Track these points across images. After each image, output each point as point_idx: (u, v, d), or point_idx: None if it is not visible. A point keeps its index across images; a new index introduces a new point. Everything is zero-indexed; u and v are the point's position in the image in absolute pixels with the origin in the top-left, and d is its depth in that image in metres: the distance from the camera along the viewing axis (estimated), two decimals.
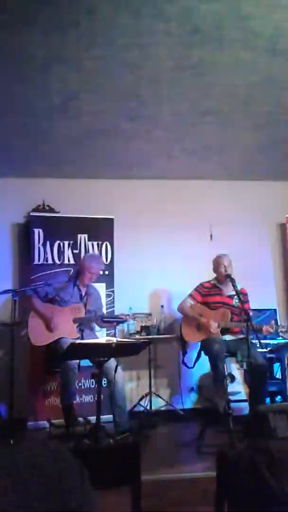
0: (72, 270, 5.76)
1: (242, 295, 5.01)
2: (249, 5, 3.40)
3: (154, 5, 3.35)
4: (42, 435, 4.98)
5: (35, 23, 3.50)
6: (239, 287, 5.03)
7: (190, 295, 5.40)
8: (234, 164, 6.43)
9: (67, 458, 1.01)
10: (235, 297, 5.08)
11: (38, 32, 3.61)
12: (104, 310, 5.72)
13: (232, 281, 4.95)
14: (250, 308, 5.24)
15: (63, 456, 1.01)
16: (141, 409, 5.82)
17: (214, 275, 5.42)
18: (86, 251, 6.11)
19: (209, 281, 5.44)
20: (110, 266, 6.27)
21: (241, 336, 4.93)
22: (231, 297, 5.25)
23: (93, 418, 4.53)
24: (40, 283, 5.28)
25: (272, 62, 4.11)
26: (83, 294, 5.21)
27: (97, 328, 5.41)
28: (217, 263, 5.34)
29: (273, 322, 5.15)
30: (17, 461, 0.96)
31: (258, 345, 4.92)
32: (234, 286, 4.90)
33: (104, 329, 5.79)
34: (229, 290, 5.24)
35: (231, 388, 5.12)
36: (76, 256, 6.05)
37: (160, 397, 6.02)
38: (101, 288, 5.89)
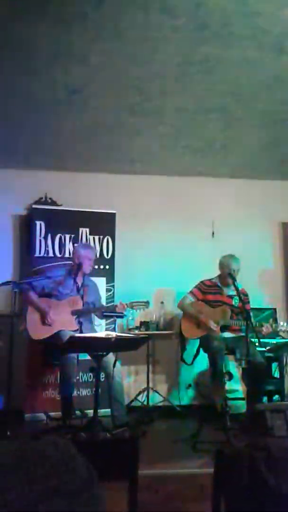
0: (72, 264, 5.74)
1: (242, 296, 5.00)
2: (257, 3, 3.39)
3: None
4: (39, 427, 4.99)
5: (42, 15, 3.49)
6: (240, 287, 5.00)
7: (191, 292, 5.39)
8: (238, 162, 6.42)
9: (77, 457, 1.01)
10: (235, 297, 5.07)
11: (45, 24, 3.60)
12: (104, 303, 5.71)
13: (234, 281, 4.92)
14: (250, 308, 5.23)
15: (73, 455, 1.00)
16: (139, 404, 5.83)
17: (216, 272, 5.40)
18: (79, 243, 6.06)
19: (210, 279, 5.42)
20: (111, 261, 6.26)
21: (241, 334, 4.93)
22: (231, 297, 5.24)
23: (90, 412, 4.55)
24: (38, 277, 5.28)
25: (279, 61, 4.10)
26: (80, 286, 5.19)
27: (97, 321, 5.41)
28: (226, 264, 5.25)
29: (271, 321, 5.14)
30: (26, 458, 0.96)
31: (257, 344, 4.92)
32: (236, 286, 4.87)
33: (104, 323, 5.79)
34: (229, 290, 5.23)
35: (229, 386, 5.11)
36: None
37: (157, 392, 6.03)
38: (101, 282, 5.89)
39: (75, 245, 5.83)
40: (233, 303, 5.21)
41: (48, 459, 0.97)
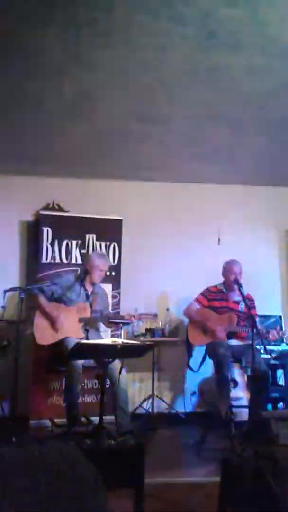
0: (79, 270, 5.74)
1: (248, 301, 4.99)
2: (266, 11, 3.39)
3: (172, 7, 3.35)
4: (44, 434, 4.98)
5: (52, 21, 3.51)
6: (245, 293, 5.00)
7: (196, 299, 5.38)
8: (245, 169, 6.42)
9: (82, 462, 1.00)
10: (241, 302, 5.06)
11: (54, 31, 3.61)
12: (110, 310, 5.71)
13: (239, 286, 4.92)
14: (256, 314, 5.23)
15: (78, 460, 1.00)
16: (143, 411, 5.81)
17: (221, 279, 5.40)
18: (94, 251, 6.09)
19: (215, 286, 5.41)
20: (117, 267, 6.26)
21: (247, 341, 4.91)
22: (237, 302, 5.22)
23: (95, 418, 4.54)
24: (47, 282, 5.29)
25: (287, 69, 4.10)
26: (89, 293, 5.20)
27: (103, 328, 5.40)
28: (228, 269, 5.29)
29: (278, 328, 5.14)
30: (32, 463, 0.95)
31: (262, 351, 4.90)
32: (241, 292, 4.87)
33: (109, 330, 5.78)
34: (235, 296, 5.21)
35: (233, 393, 5.09)
36: (83, 256, 6.03)
37: (162, 400, 6.01)
38: (107, 289, 5.87)
39: (90, 252, 5.86)
40: (239, 308, 5.20)
41: (53, 465, 0.96)
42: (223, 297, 5.32)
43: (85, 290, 5.17)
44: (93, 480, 1.01)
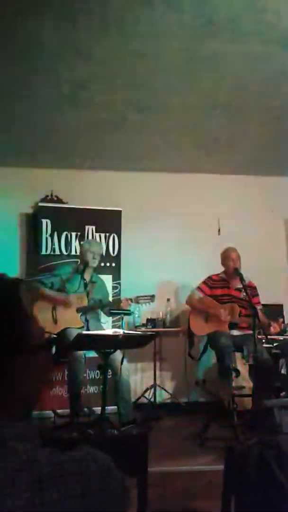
0: (79, 261, 5.73)
1: (250, 289, 4.99)
2: None
3: None
4: (47, 425, 4.99)
5: (47, 10, 3.48)
6: (246, 281, 5.00)
7: (198, 288, 5.37)
8: (244, 158, 6.39)
9: (113, 472, 0.96)
10: (243, 290, 5.06)
11: (50, 21, 3.58)
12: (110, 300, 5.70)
13: (240, 275, 4.92)
14: (259, 301, 5.23)
15: (109, 470, 0.96)
16: (146, 401, 5.83)
17: (222, 268, 5.39)
18: None
19: (217, 274, 5.40)
20: (117, 258, 6.26)
21: (249, 331, 4.90)
22: (239, 290, 5.21)
23: (97, 409, 4.54)
24: (47, 274, 5.28)
25: (285, 56, 4.08)
26: (87, 282, 5.18)
27: (104, 318, 5.39)
28: (225, 256, 5.31)
29: (280, 320, 5.13)
30: (63, 469, 0.91)
31: (264, 341, 4.90)
32: (242, 280, 4.87)
33: (110, 320, 5.78)
34: (237, 284, 5.20)
35: (235, 382, 5.09)
36: None
37: (164, 389, 6.03)
38: (107, 280, 5.87)
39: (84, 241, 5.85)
40: (241, 296, 5.19)
41: (86, 474, 0.91)
42: (225, 284, 5.31)
43: (84, 280, 5.15)
44: (123, 494, 0.97)
